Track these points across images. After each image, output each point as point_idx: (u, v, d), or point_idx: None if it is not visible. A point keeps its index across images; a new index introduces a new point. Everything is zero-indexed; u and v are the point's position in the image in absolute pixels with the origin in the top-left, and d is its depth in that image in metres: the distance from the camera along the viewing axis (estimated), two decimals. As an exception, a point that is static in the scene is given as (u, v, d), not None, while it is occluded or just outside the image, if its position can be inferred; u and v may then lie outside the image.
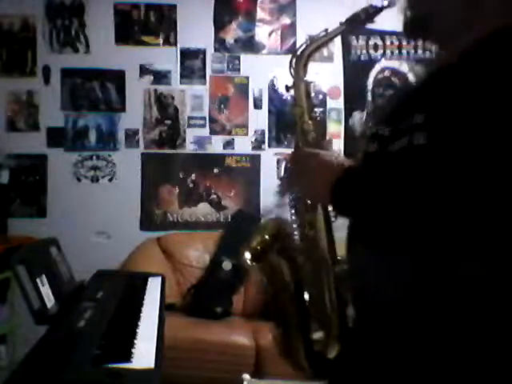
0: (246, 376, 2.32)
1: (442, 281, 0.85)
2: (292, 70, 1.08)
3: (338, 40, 3.79)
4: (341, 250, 1.02)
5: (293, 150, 1.05)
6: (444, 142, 0.80)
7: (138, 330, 1.58)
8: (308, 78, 1.08)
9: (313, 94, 1.10)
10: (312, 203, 1.01)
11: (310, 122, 1.06)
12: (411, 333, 0.88)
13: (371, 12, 1.03)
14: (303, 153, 1.01)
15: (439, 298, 0.86)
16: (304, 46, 1.06)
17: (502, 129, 0.75)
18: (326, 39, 1.07)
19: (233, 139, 3.83)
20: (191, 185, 3.81)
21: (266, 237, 1.10)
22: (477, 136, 0.77)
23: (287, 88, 1.09)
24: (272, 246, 1.09)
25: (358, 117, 3.81)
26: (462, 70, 0.84)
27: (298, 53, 1.06)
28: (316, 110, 1.09)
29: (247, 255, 1.10)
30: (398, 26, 0.99)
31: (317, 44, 1.07)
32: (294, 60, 1.07)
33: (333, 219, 1.02)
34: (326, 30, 1.06)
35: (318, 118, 1.09)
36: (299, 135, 1.05)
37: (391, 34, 3.72)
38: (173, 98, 3.79)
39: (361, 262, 0.95)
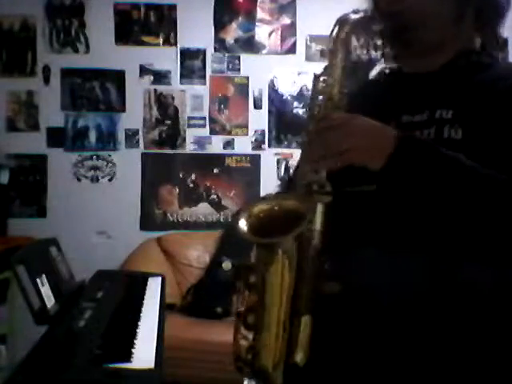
0: (246, 376, 2.32)
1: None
2: (334, 33, 0.97)
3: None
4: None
5: (320, 119, 0.92)
6: (478, 138, 0.86)
7: (138, 330, 1.57)
8: (348, 49, 0.97)
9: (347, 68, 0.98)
10: (360, 165, 0.86)
11: (339, 95, 0.95)
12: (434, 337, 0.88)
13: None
14: (346, 116, 0.91)
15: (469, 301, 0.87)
16: (355, 12, 0.96)
17: None
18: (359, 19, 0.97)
19: (233, 139, 3.83)
20: (191, 185, 3.81)
21: (276, 208, 0.89)
22: (503, 131, 0.86)
23: (322, 53, 1.00)
24: (279, 222, 0.86)
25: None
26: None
27: (346, 17, 0.96)
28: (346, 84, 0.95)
29: (243, 223, 0.87)
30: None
31: (366, 15, 0.97)
32: (339, 23, 0.97)
33: (371, 187, 0.87)
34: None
35: (346, 95, 0.95)
36: (325, 108, 0.94)
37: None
38: (173, 98, 3.79)
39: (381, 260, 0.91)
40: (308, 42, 3.80)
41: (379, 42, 1.08)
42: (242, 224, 0.86)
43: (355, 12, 0.96)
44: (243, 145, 3.82)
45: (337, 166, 0.86)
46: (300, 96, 3.81)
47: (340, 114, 0.92)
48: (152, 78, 3.77)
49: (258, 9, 3.85)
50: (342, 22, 0.96)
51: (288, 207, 0.87)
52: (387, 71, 1.08)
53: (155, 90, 3.78)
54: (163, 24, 3.78)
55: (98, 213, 3.69)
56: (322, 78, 0.97)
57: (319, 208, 0.87)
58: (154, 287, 2.17)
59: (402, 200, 0.88)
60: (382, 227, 0.92)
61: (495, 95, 0.89)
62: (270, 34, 3.86)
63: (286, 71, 3.79)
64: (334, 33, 0.96)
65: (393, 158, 0.84)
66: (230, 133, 3.83)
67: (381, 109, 0.96)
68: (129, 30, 3.76)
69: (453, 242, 0.86)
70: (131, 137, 3.77)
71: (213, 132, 3.82)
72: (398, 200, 0.89)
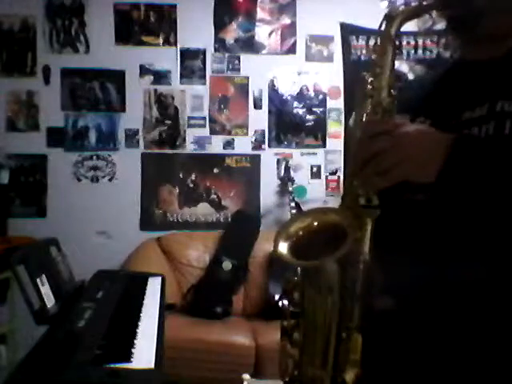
0: (246, 376, 2.32)
1: None
2: (383, 28, 0.88)
3: (338, 40, 3.79)
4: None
5: (371, 125, 0.84)
6: None
7: (137, 330, 1.58)
8: (397, 45, 0.87)
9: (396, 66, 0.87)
10: (411, 179, 0.78)
11: (388, 99, 0.86)
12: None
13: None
14: (394, 123, 0.82)
15: None
16: (402, 7, 0.87)
17: None
18: (422, 8, 0.89)
19: (233, 139, 3.83)
20: (191, 185, 3.81)
21: (315, 224, 0.83)
22: None
23: (372, 51, 0.89)
24: (320, 240, 0.81)
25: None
26: None
27: (395, 11, 0.87)
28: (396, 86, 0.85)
29: (283, 246, 0.80)
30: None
31: (415, 11, 0.88)
32: (388, 16, 0.88)
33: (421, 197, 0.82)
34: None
35: (395, 99, 0.85)
36: (372, 114, 0.85)
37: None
38: (173, 98, 3.79)
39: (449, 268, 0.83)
40: (308, 42, 3.80)
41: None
42: (282, 247, 0.81)
43: (407, 3, 0.88)
44: (243, 145, 3.82)
45: (386, 185, 0.79)
46: (300, 96, 3.82)
47: (387, 120, 0.84)
48: (152, 78, 3.77)
49: (258, 9, 3.85)
50: (390, 16, 0.88)
51: (329, 222, 0.81)
52: (445, 64, 0.99)
53: (155, 90, 3.78)
54: (163, 24, 3.78)
55: (98, 213, 3.69)
56: (369, 80, 0.88)
57: (368, 223, 0.81)
58: (153, 287, 2.17)
59: (458, 209, 0.81)
60: (439, 239, 0.85)
61: None
62: (270, 34, 3.86)
63: (286, 71, 3.79)
64: (383, 28, 0.88)
65: (444, 170, 0.77)
66: (230, 133, 3.83)
67: (442, 105, 0.90)
68: (129, 30, 3.76)
69: None
70: (131, 137, 3.76)
71: (213, 132, 3.82)
72: (454, 209, 0.82)
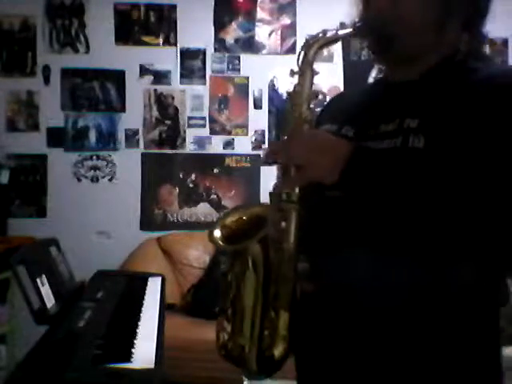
0: (246, 376, 2.32)
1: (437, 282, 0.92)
2: (301, 55, 1.02)
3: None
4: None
5: (288, 134, 0.99)
6: (441, 145, 0.90)
7: (137, 330, 1.58)
8: (315, 68, 1.01)
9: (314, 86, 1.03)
10: (317, 181, 0.92)
11: (307, 112, 1.01)
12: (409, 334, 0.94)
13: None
14: (309, 132, 0.98)
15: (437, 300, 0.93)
16: (320, 35, 1.00)
17: (487, 135, 0.88)
18: (337, 37, 1.01)
19: (233, 139, 3.83)
20: (191, 185, 3.81)
21: (244, 218, 1.01)
22: (466, 140, 0.89)
23: (292, 73, 1.03)
24: (248, 229, 0.98)
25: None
26: (448, 84, 0.97)
27: (313, 39, 1.01)
28: (313, 101, 1.01)
29: (217, 233, 0.99)
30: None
31: (330, 39, 1.01)
32: (306, 44, 1.02)
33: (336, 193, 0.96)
34: (342, 23, 1.02)
35: (314, 112, 1.02)
36: (293, 123, 1.01)
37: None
38: (173, 98, 3.79)
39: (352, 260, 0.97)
40: (308, 42, 3.80)
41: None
42: (216, 233, 0.97)
43: (324, 33, 1.00)
44: (243, 145, 3.82)
45: (299, 185, 0.93)
46: (300, 96, 3.81)
47: (301, 129, 0.98)
48: (152, 78, 3.77)
49: (258, 9, 3.85)
50: (308, 43, 1.01)
51: (255, 215, 0.97)
52: (374, 80, 1.15)
53: (155, 90, 3.78)
54: (163, 24, 3.78)
55: (98, 213, 3.69)
56: (292, 95, 1.03)
57: (291, 215, 0.95)
58: (154, 287, 2.17)
59: (367, 206, 0.94)
60: (354, 230, 0.98)
61: (465, 105, 0.92)
62: (270, 34, 3.86)
63: (286, 71, 3.78)
64: (302, 55, 1.02)
65: (344, 174, 0.90)
66: (230, 133, 3.83)
67: (364, 117, 1.03)
68: (129, 30, 3.76)
69: (419, 243, 0.91)
70: (131, 137, 3.77)
71: (213, 132, 3.82)
72: (364, 205, 0.95)
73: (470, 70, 0.99)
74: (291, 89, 1.05)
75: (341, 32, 0.99)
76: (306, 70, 1.01)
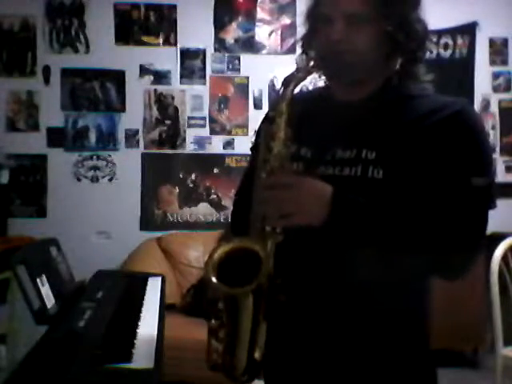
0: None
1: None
2: (280, 94, 1.10)
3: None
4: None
5: (271, 177, 1.05)
6: (397, 176, 1.03)
7: (137, 330, 1.58)
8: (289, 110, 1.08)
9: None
10: (306, 224, 1.01)
11: (284, 150, 1.07)
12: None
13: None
14: (295, 180, 1.03)
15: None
16: (297, 72, 1.11)
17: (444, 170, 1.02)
18: (307, 73, 1.12)
19: (233, 139, 3.83)
20: (191, 185, 3.81)
21: (235, 252, 1.05)
22: (417, 169, 1.03)
23: (266, 116, 1.12)
24: (242, 263, 1.02)
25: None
26: (393, 115, 1.09)
27: (291, 76, 1.11)
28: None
29: (210, 270, 1.02)
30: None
31: (306, 72, 1.11)
32: (284, 83, 1.11)
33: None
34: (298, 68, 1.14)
35: (290, 148, 1.08)
36: (274, 161, 1.06)
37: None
38: (173, 98, 3.79)
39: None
40: (308, 42, 3.80)
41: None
42: (212, 275, 1.01)
43: (298, 71, 1.11)
44: (243, 145, 3.81)
45: (286, 225, 1.01)
46: (300, 96, 3.81)
47: (290, 176, 1.04)
48: (152, 78, 3.77)
49: (258, 9, 3.85)
50: (287, 80, 1.10)
51: (246, 250, 1.02)
52: (319, 95, 1.23)
53: (155, 90, 3.78)
54: (163, 24, 3.78)
55: (98, 213, 3.69)
56: (271, 130, 1.08)
57: (270, 244, 1.02)
58: (153, 287, 2.17)
59: (342, 243, 1.04)
60: (325, 264, 1.08)
61: (416, 134, 1.04)
62: (270, 34, 3.86)
63: (286, 71, 3.76)
64: (280, 93, 1.09)
65: (328, 219, 1.00)
66: (230, 133, 3.83)
67: (320, 140, 1.12)
68: (129, 30, 3.76)
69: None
70: (131, 137, 3.77)
71: (213, 132, 3.83)
72: (338, 242, 1.04)
73: (408, 95, 1.11)
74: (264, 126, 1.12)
75: (310, 66, 1.11)
76: (283, 105, 1.07)
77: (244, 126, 3.84)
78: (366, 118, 1.11)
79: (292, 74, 1.10)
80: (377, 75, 1.13)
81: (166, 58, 3.78)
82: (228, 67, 3.83)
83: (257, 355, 1.02)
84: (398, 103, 1.11)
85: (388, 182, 1.03)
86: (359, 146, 1.07)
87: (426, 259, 1.04)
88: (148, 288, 2.15)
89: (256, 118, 3.82)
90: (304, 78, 1.10)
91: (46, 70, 3.70)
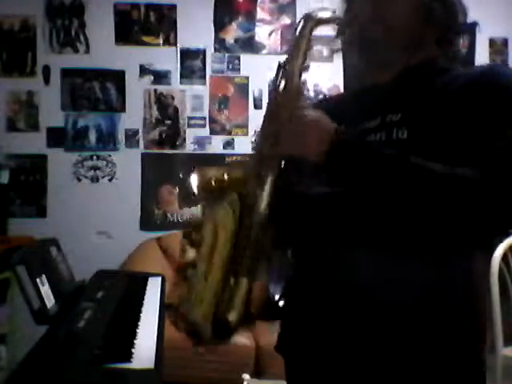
0: (246, 376, 2.32)
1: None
2: (299, 28, 1.06)
3: (338, 40, 3.78)
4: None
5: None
6: (422, 136, 0.96)
7: (137, 330, 1.57)
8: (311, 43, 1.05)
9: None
10: (300, 159, 0.99)
11: (297, 84, 1.06)
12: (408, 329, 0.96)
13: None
14: (298, 113, 1.01)
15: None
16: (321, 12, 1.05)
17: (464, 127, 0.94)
18: (333, 17, 1.08)
19: (233, 139, 3.83)
20: (191, 185, 3.81)
21: (225, 177, 1.03)
22: (444, 130, 0.95)
23: (288, 43, 1.07)
24: (227, 188, 1.01)
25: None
26: (426, 82, 1.04)
27: (312, 14, 1.05)
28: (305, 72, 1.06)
29: (194, 178, 1.01)
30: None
31: (331, 19, 1.07)
32: (304, 19, 1.06)
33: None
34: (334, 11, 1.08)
35: (305, 84, 1.07)
36: (285, 94, 1.04)
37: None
38: (173, 98, 3.79)
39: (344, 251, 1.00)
40: (308, 42, 3.80)
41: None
42: (193, 180, 1.00)
43: (322, 10, 1.06)
44: (243, 145, 3.82)
45: (282, 154, 0.99)
46: (300, 96, 3.81)
47: (291, 102, 1.01)
48: (152, 77, 3.77)
49: (258, 9, 3.85)
50: (307, 17, 1.05)
51: (235, 177, 1.00)
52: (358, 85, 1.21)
53: (155, 90, 3.78)
54: (163, 24, 3.78)
55: (98, 213, 3.69)
56: (285, 67, 1.05)
57: (267, 183, 0.99)
58: (153, 287, 2.17)
59: (356, 198, 0.98)
60: (341, 223, 1.01)
61: (443, 97, 0.98)
62: (269, 34, 3.86)
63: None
64: (299, 27, 1.05)
65: (328, 154, 0.95)
66: (230, 133, 3.83)
67: (352, 117, 1.08)
68: (129, 29, 3.76)
69: (402, 236, 0.95)
70: (131, 137, 3.77)
71: (213, 132, 3.83)
72: (352, 198, 0.98)
73: (443, 69, 1.05)
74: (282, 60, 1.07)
75: (337, 17, 1.07)
76: (302, 42, 1.05)
77: (244, 126, 3.84)
78: (393, 89, 1.07)
79: (315, 12, 1.05)
80: (409, 56, 1.08)
81: (165, 58, 3.78)
82: (228, 67, 3.83)
83: (230, 317, 0.95)
84: (427, 76, 1.06)
85: (413, 141, 0.97)
86: (384, 113, 1.03)
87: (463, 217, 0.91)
88: (148, 288, 2.14)
89: (256, 117, 3.82)
90: (325, 21, 1.06)
91: (46, 70, 3.70)
